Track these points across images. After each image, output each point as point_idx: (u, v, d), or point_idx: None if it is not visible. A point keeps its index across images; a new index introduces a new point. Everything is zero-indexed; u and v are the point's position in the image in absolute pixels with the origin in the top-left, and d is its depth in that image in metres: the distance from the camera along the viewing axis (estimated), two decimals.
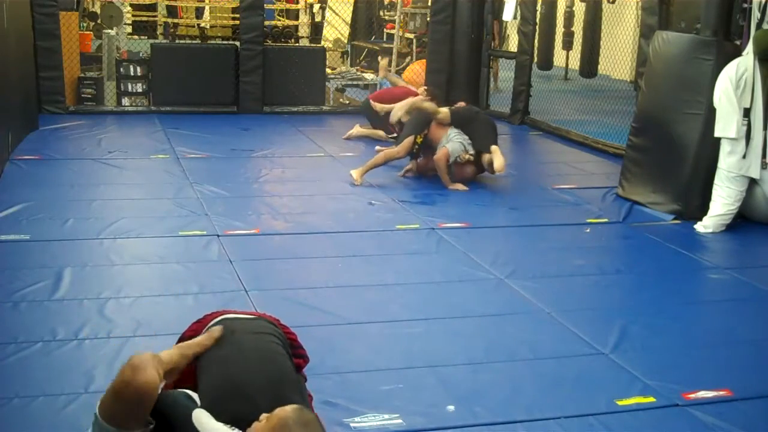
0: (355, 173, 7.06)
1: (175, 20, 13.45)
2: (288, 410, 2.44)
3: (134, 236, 5.44)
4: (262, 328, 2.94)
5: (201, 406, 2.65)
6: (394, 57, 12.01)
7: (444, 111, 7.21)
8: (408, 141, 7.19)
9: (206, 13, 13.97)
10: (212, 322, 2.99)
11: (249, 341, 2.85)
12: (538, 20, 10.38)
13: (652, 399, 3.53)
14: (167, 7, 13.21)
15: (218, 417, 2.56)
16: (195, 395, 2.72)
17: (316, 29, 13.91)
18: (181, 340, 3.07)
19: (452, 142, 7.04)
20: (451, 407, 3.40)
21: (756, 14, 5.98)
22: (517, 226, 6.11)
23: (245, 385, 2.65)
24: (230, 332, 2.93)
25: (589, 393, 3.56)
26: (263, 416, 2.46)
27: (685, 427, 3.33)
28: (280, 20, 13.40)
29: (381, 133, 8.82)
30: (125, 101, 10.00)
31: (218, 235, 5.49)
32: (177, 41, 11.68)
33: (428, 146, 7.22)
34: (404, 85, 9.52)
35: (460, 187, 7.00)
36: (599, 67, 12.49)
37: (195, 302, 4.33)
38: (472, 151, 7.08)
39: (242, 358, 2.76)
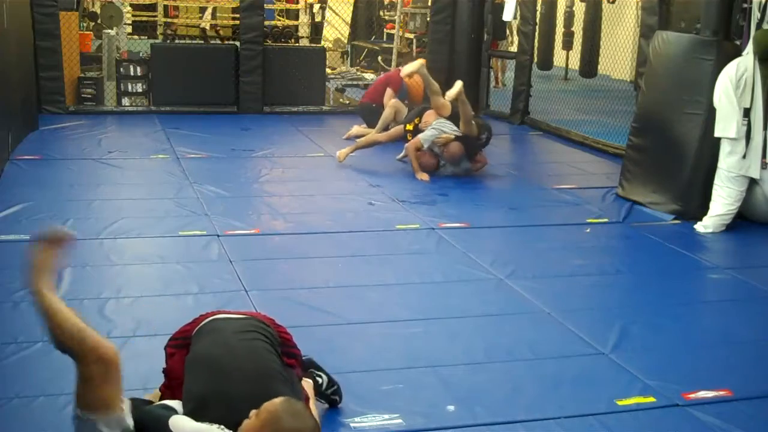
0: (340, 152, 7.63)
1: (169, 19, 13.40)
2: (276, 403, 2.49)
3: (134, 236, 5.44)
4: (248, 327, 2.98)
5: (185, 408, 2.67)
6: (394, 57, 12.00)
7: (447, 105, 7.48)
8: (396, 129, 7.79)
9: (207, 13, 13.95)
10: (203, 323, 3.03)
11: (234, 340, 2.89)
12: (538, 20, 10.38)
13: (652, 399, 3.53)
14: (164, 7, 13.18)
15: (204, 419, 2.57)
16: (175, 403, 2.74)
17: (316, 29, 13.90)
18: (172, 340, 3.10)
19: (424, 132, 7.31)
20: (451, 407, 3.40)
21: (756, 14, 5.98)
22: (516, 226, 6.11)
23: (230, 386, 2.68)
24: (216, 332, 2.97)
25: (589, 393, 3.56)
26: (252, 413, 2.50)
27: (685, 427, 3.33)
28: (280, 20, 13.38)
29: None
30: (125, 101, 9.99)
31: (218, 235, 5.49)
32: (177, 41, 11.66)
33: (418, 132, 7.50)
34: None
35: (424, 177, 7.19)
36: (599, 67, 12.46)
37: (195, 302, 4.33)
38: (455, 130, 7.26)
39: (229, 358, 2.81)
